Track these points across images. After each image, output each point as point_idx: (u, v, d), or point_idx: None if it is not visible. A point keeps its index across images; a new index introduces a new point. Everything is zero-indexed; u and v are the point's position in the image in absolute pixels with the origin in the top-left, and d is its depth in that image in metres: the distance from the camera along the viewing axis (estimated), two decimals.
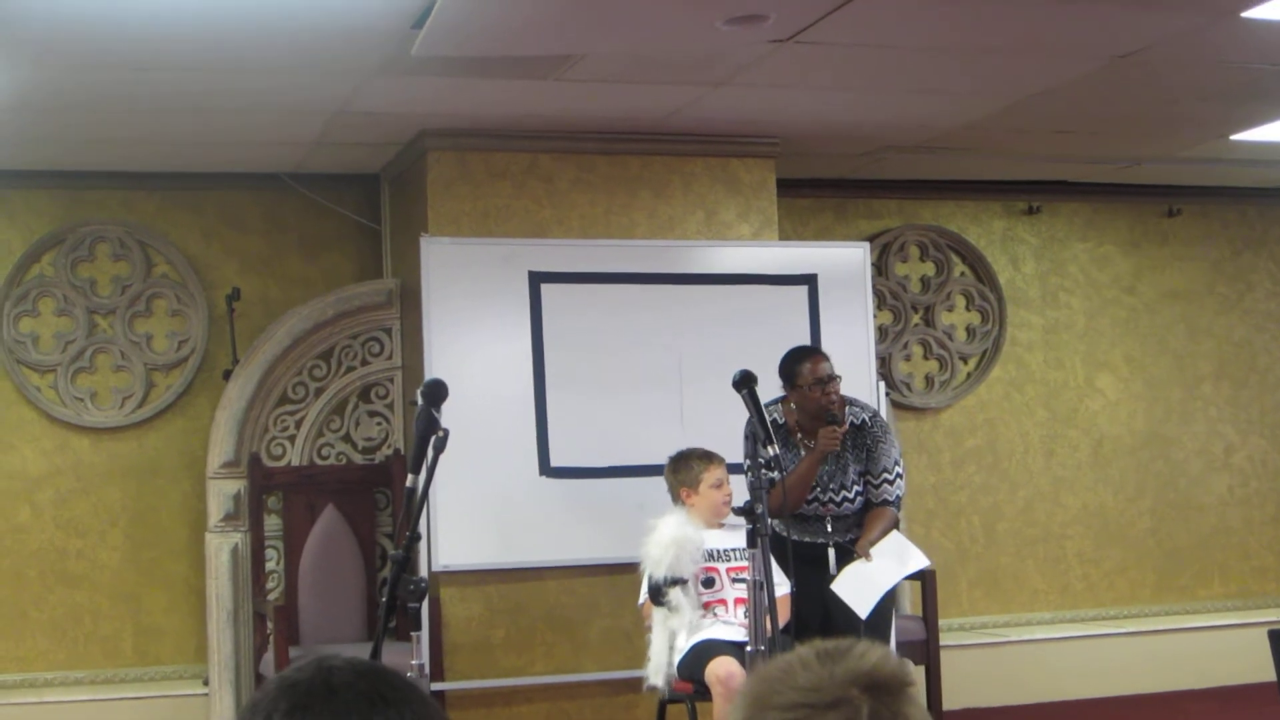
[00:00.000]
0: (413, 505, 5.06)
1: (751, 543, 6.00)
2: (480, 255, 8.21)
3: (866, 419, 7.23)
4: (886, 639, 7.31)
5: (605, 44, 6.78)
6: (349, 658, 2.03)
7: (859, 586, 6.92)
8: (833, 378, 7.02)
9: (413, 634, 5.11)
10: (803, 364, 7.07)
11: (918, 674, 8.60)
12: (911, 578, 8.51)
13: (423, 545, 7.61)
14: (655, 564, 6.89)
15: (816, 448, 6.96)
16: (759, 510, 5.98)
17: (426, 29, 6.26)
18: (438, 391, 5.19)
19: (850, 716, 2.00)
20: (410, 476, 5.03)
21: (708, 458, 7.13)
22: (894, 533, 7.13)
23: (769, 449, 6.13)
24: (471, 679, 8.16)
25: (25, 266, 8.82)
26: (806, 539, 7.14)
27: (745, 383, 6.41)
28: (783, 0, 6.11)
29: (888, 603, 7.17)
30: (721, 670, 6.63)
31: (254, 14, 6.10)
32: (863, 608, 6.86)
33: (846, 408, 7.23)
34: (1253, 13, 6.45)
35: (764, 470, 6.12)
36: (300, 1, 5.99)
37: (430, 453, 5.01)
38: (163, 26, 6.17)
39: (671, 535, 6.88)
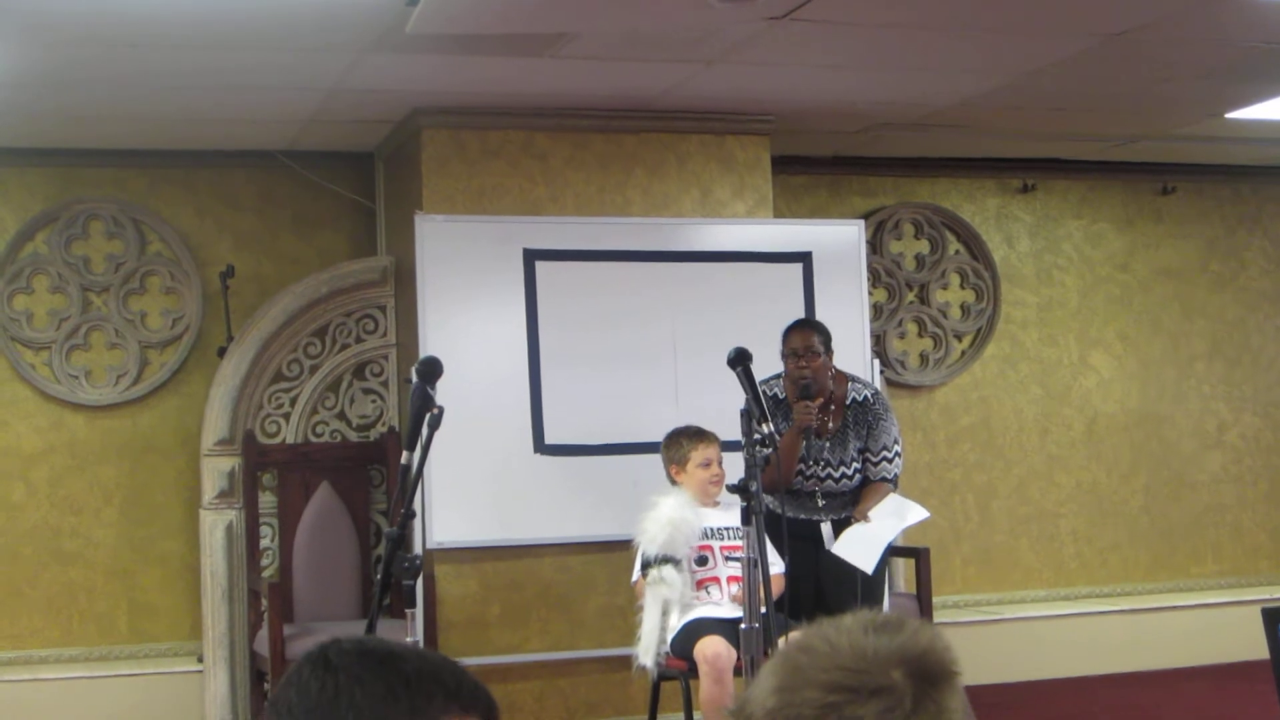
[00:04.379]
0: (407, 483, 5.06)
1: (746, 520, 6.01)
2: (475, 233, 8.21)
3: (869, 395, 7.28)
4: (879, 607, 7.35)
5: (600, 21, 6.77)
6: (355, 638, 2.05)
7: (860, 546, 6.98)
8: (806, 351, 7.07)
9: (407, 611, 5.11)
10: (785, 336, 7.20)
11: None
12: (905, 553, 8.58)
13: (417, 522, 7.60)
14: (650, 540, 6.91)
15: (794, 422, 7.02)
16: (753, 488, 5.99)
17: (421, 6, 6.25)
18: (432, 369, 5.19)
19: (892, 706, 1.89)
20: (405, 454, 5.04)
21: (698, 436, 7.15)
22: (892, 494, 7.17)
23: (763, 426, 6.15)
24: (466, 656, 8.14)
25: (19, 244, 8.81)
26: (802, 516, 7.18)
27: (740, 360, 6.42)
28: None
29: (881, 573, 7.21)
30: (709, 650, 6.67)
31: None
32: (867, 564, 6.93)
33: (849, 384, 7.27)
34: None
35: (758, 448, 6.13)
36: None
37: (425, 430, 5.02)
38: (156, 3, 6.17)
39: (669, 515, 6.90)
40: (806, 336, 7.17)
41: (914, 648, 1.94)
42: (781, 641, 6.23)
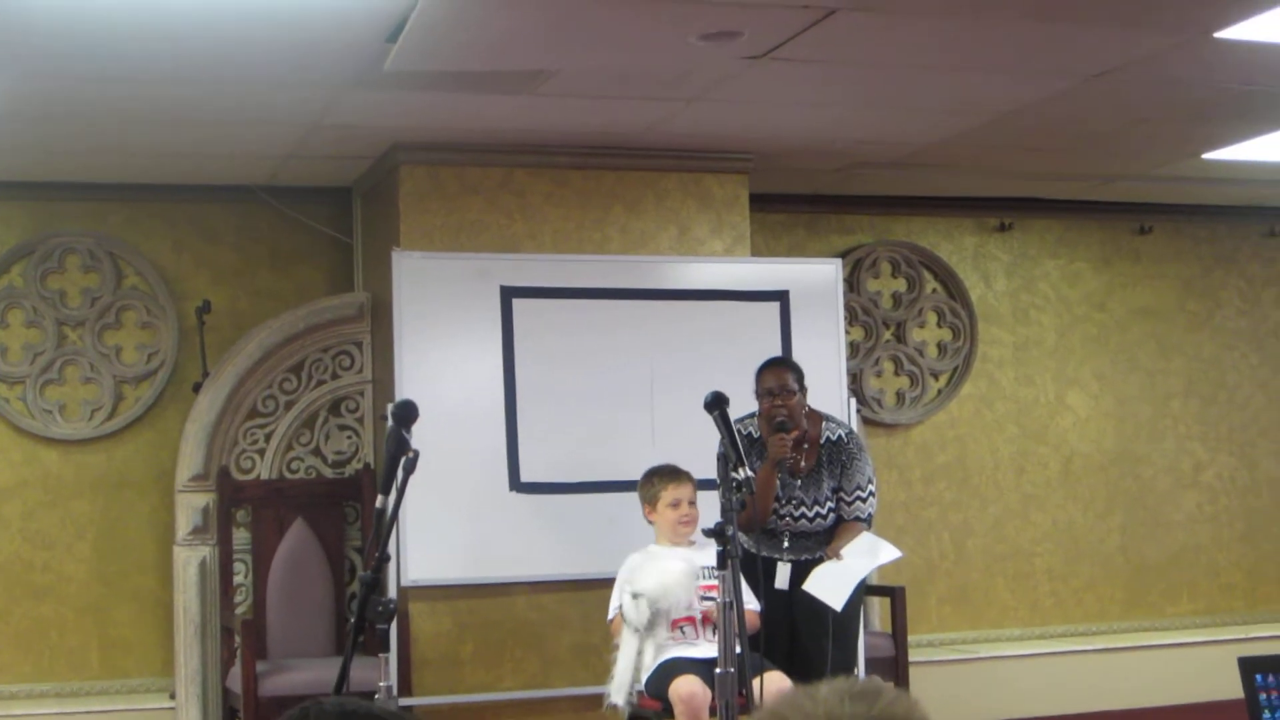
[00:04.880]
0: (382, 526, 5.04)
1: (721, 564, 5.99)
2: (452, 269, 8.18)
3: (843, 435, 7.28)
4: (853, 645, 7.35)
5: (579, 59, 6.77)
6: (336, 699, 2.03)
7: (831, 582, 6.97)
8: (781, 390, 7.07)
9: (381, 655, 5.08)
10: (758, 375, 7.21)
11: None
12: (881, 591, 8.58)
13: (391, 560, 7.58)
14: (641, 587, 6.88)
15: (768, 455, 7.01)
16: (729, 532, 5.97)
17: (400, 43, 6.25)
18: (408, 412, 5.17)
19: None
20: (380, 497, 5.01)
21: (671, 476, 7.14)
22: (865, 533, 7.17)
23: (740, 471, 6.13)
24: (440, 694, 8.13)
25: None
26: (763, 553, 7.18)
27: (717, 404, 6.39)
28: (757, 17, 6.11)
29: (855, 608, 7.20)
30: (684, 690, 6.66)
31: (227, 27, 6.07)
32: (836, 600, 6.91)
33: (823, 423, 7.27)
34: (1224, 33, 6.46)
35: (735, 493, 6.12)
36: (273, 15, 5.96)
37: (400, 474, 4.99)
38: (135, 38, 6.15)
39: (675, 580, 6.89)
40: (781, 375, 7.17)
41: (889, 717, 1.92)
42: (756, 687, 6.23)
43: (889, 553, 7.17)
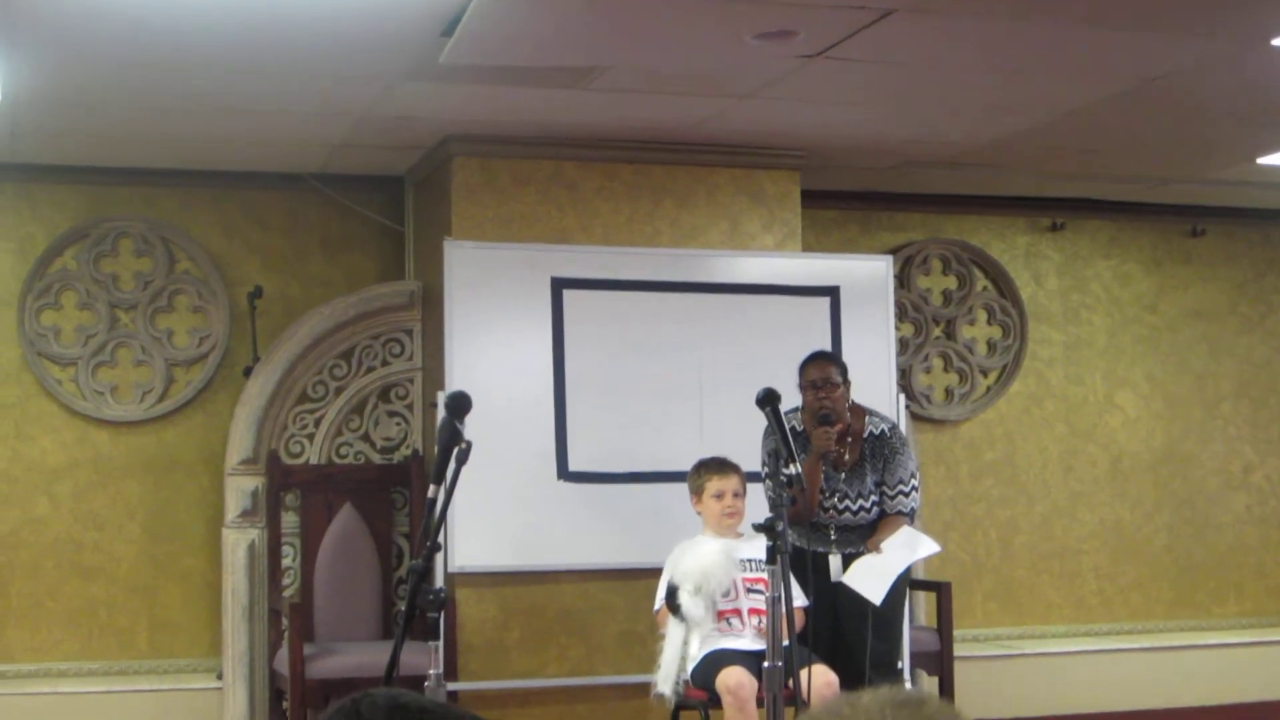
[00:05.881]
0: (433, 516, 5.07)
1: (770, 559, 6.01)
2: (503, 260, 8.22)
3: (886, 429, 7.29)
4: (897, 639, 7.35)
5: (633, 57, 6.79)
6: (387, 691, 2.06)
7: (870, 577, 6.99)
8: (825, 383, 7.08)
9: (430, 644, 5.12)
10: (802, 369, 7.20)
11: (931, 685, 8.62)
12: (927, 586, 8.59)
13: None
14: (682, 575, 6.92)
15: (812, 448, 7.02)
16: (779, 528, 5.99)
17: (455, 37, 6.28)
18: (461, 404, 5.20)
19: None
20: (432, 487, 5.04)
21: (718, 468, 7.17)
22: (905, 526, 7.18)
23: (791, 467, 6.15)
24: (486, 680, 8.17)
25: (48, 260, 8.86)
26: (813, 548, 7.19)
27: (768, 400, 6.42)
28: (813, 17, 6.11)
29: (898, 602, 7.21)
30: (731, 681, 6.69)
31: (284, 17, 6.11)
32: (875, 595, 6.93)
33: (866, 417, 7.28)
34: None
35: (785, 489, 6.14)
36: (330, 6, 6.00)
37: (452, 464, 5.02)
38: (191, 27, 6.19)
39: (713, 561, 6.92)
40: (825, 368, 7.17)
41: None
42: (803, 680, 6.25)
43: (928, 547, 7.19)
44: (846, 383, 7.19)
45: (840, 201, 9.89)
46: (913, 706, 1.90)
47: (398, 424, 8.75)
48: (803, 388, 7.19)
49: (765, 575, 6.20)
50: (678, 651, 6.94)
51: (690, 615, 6.88)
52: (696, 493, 7.18)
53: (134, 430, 8.94)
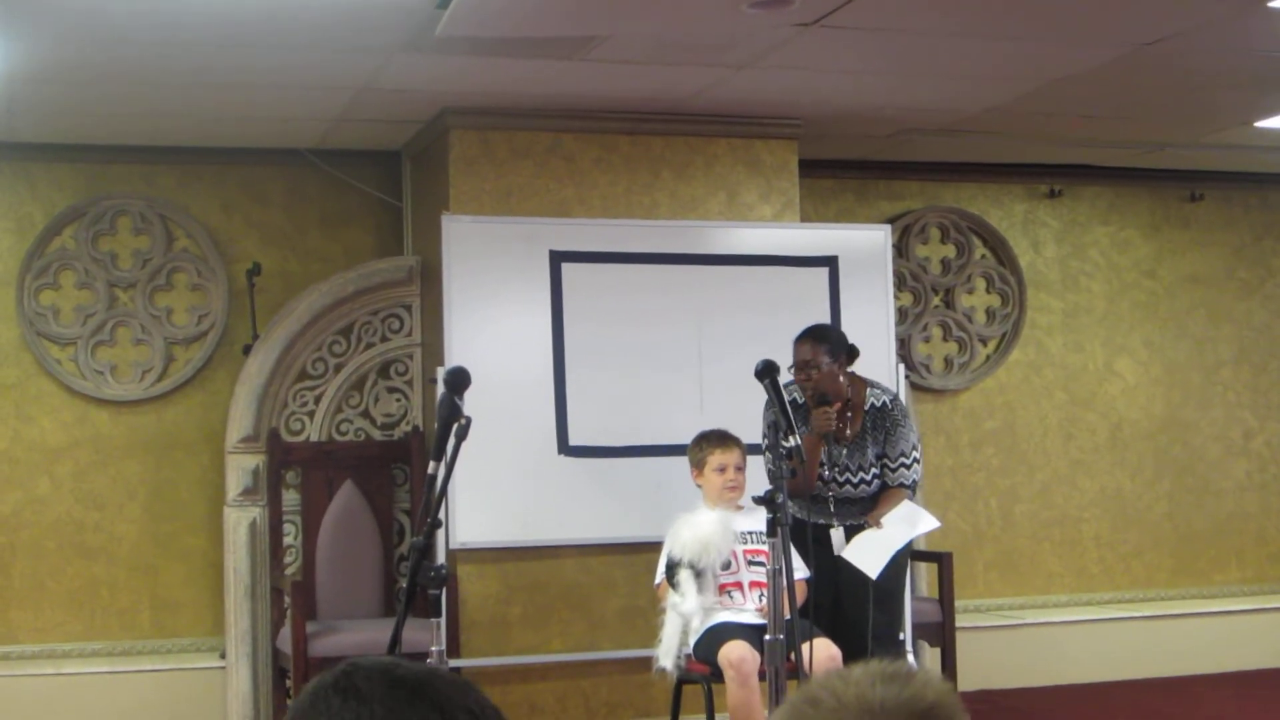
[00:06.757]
0: (434, 492, 5.06)
1: (771, 532, 6.01)
2: (501, 233, 8.20)
3: (887, 401, 7.25)
4: (898, 611, 7.34)
5: (629, 26, 6.77)
6: (377, 658, 2.03)
7: (869, 551, 6.99)
8: (804, 364, 7.03)
9: (432, 620, 5.11)
10: (793, 346, 7.14)
11: (933, 656, 8.63)
12: (928, 557, 8.59)
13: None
14: (681, 547, 6.92)
15: (812, 428, 7.00)
16: (779, 500, 5.99)
17: (451, 9, 6.26)
18: (460, 380, 5.19)
19: None
20: (432, 464, 5.04)
21: (719, 441, 7.16)
22: (905, 501, 7.17)
23: (790, 439, 6.14)
24: (488, 656, 8.18)
25: (46, 239, 8.84)
26: (814, 520, 7.17)
27: (768, 372, 6.39)
28: None
29: (899, 574, 7.21)
30: (734, 654, 6.69)
31: None
32: (873, 569, 6.92)
33: (867, 389, 7.25)
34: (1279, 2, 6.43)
35: (785, 461, 6.13)
36: None
37: (452, 440, 5.01)
38: (188, 2, 6.18)
39: (709, 532, 6.91)
40: (803, 349, 7.10)
41: (921, 701, 1.88)
42: (805, 654, 6.24)
43: (928, 523, 7.18)
44: (836, 359, 7.09)
45: (838, 171, 9.87)
46: (902, 679, 1.90)
47: (398, 400, 8.75)
48: (791, 366, 7.15)
49: (766, 548, 6.19)
50: (679, 625, 6.94)
51: (682, 611, 6.89)
52: (698, 466, 7.17)
53: (134, 409, 8.93)
